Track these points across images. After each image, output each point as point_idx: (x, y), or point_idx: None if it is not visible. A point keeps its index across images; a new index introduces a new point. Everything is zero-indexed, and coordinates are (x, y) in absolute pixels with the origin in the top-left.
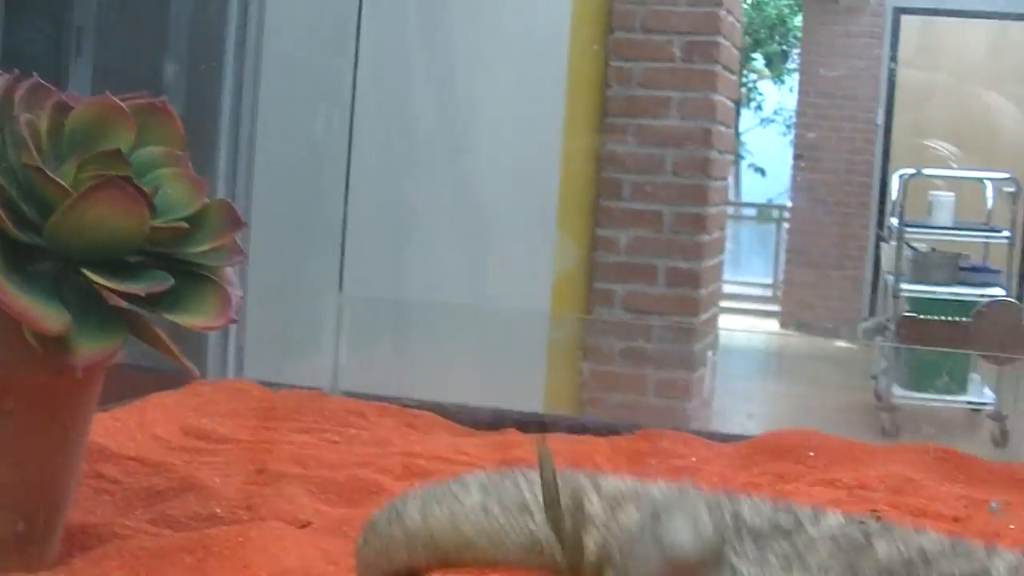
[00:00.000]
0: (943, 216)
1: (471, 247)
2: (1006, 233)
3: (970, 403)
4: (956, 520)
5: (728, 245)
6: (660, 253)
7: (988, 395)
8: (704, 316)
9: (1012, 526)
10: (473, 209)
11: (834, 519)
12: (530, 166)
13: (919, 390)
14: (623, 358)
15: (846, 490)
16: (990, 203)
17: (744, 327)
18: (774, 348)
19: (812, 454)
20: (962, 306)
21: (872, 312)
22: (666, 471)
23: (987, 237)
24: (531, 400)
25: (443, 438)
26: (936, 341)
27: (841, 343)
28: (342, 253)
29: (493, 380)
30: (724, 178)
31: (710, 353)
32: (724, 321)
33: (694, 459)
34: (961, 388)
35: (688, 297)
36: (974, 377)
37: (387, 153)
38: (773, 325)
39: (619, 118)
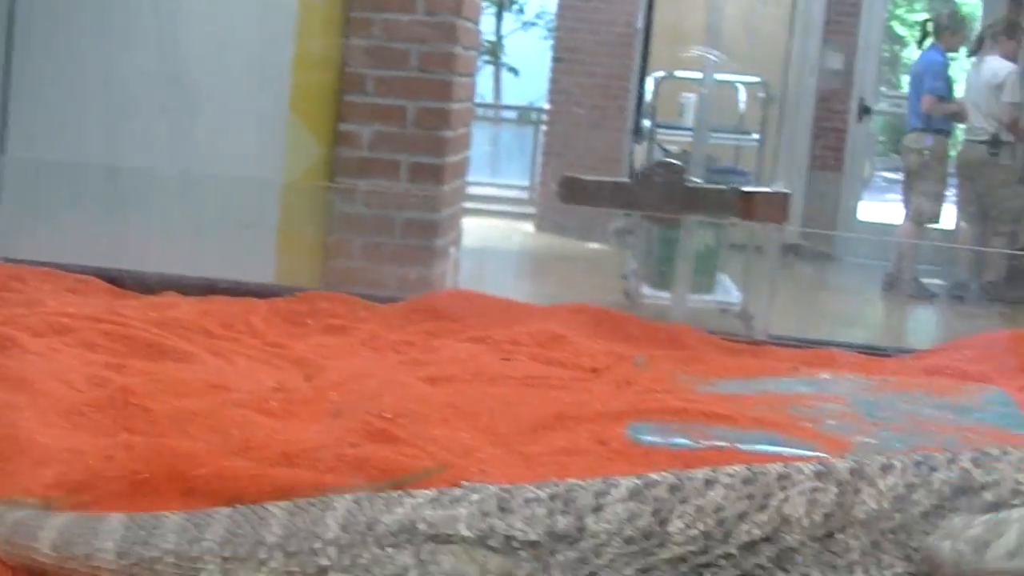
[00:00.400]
0: (692, 119)
1: (188, 132)
2: (756, 136)
3: (718, 303)
4: (594, 371)
5: (487, 148)
6: (403, 148)
7: (735, 295)
8: (447, 212)
9: (646, 375)
10: (189, 91)
11: (620, 506)
12: (256, 57)
13: (668, 290)
14: (363, 253)
15: (493, 345)
16: (742, 107)
17: (500, 228)
18: (529, 249)
19: (468, 313)
20: None
21: (626, 213)
22: (321, 330)
23: (738, 139)
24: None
25: (101, 301)
26: (597, 201)
27: (594, 244)
28: (4, 114)
29: (202, 250)
30: (470, 74)
31: (452, 249)
32: (480, 223)
33: (350, 319)
34: (709, 288)
35: (431, 193)
36: (722, 277)
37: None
38: (529, 228)
39: (363, 12)
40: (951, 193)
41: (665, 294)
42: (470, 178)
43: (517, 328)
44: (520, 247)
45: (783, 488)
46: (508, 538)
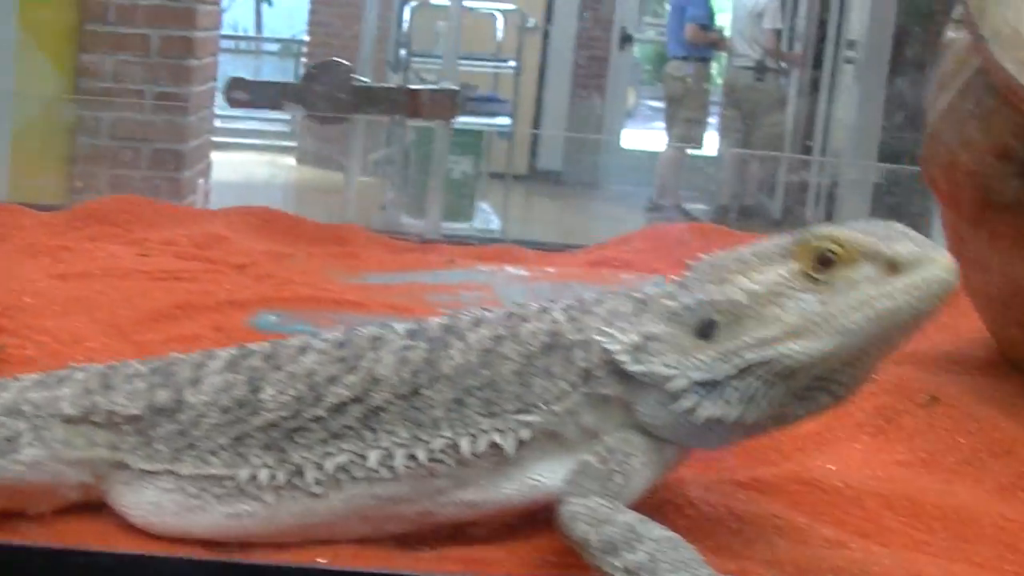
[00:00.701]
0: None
1: None
2: (512, 63)
3: (479, 231)
4: (240, 267)
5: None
6: (147, 79)
7: (495, 223)
8: (195, 143)
9: (292, 269)
10: None
11: (217, 377)
12: None
13: (425, 219)
14: (108, 185)
15: (149, 246)
16: (499, 35)
17: (260, 162)
18: (290, 182)
19: (135, 219)
20: (474, 135)
21: (386, 144)
22: None
23: (495, 67)
24: None
25: None
26: (264, 102)
27: (358, 177)
28: None
29: None
30: (215, 2)
31: (201, 180)
32: (241, 157)
33: (10, 227)
34: (468, 216)
35: (177, 123)
36: (482, 206)
37: None
38: (291, 161)
39: None
40: (714, 120)
41: (423, 223)
42: (231, 112)
43: (177, 231)
44: (281, 180)
45: (375, 349)
46: (110, 413)
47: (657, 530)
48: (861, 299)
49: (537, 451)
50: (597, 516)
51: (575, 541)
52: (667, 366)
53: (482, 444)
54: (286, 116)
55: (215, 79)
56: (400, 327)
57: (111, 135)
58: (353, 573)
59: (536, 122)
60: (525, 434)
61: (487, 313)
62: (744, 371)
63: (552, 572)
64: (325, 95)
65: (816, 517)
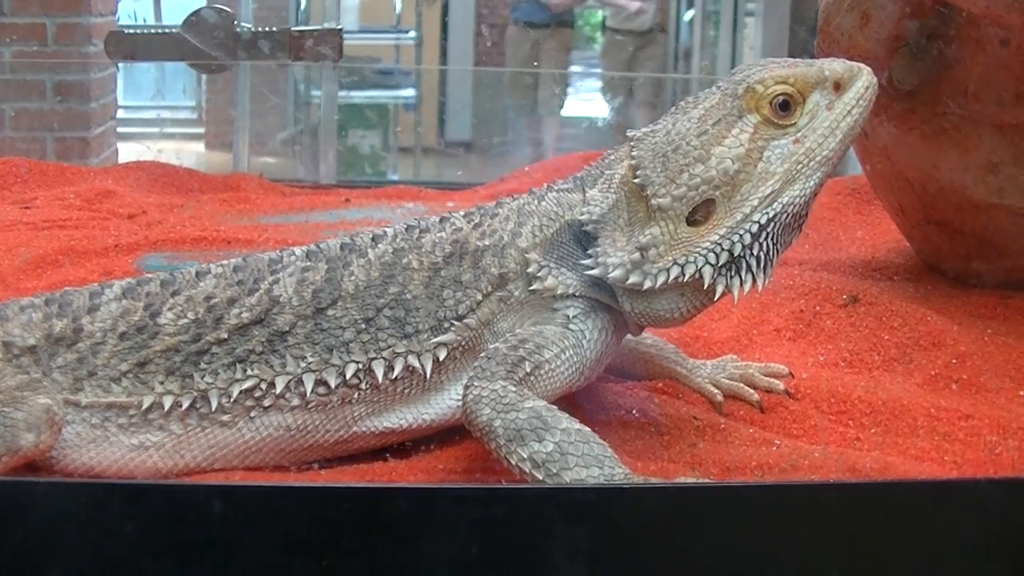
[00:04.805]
0: (348, 20)
1: None
2: (413, 33)
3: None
4: (130, 216)
5: (152, 70)
6: (46, 66)
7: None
8: (99, 130)
9: (184, 215)
10: None
11: (114, 304)
12: None
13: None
14: None
15: (39, 207)
16: (398, 7)
17: (169, 150)
18: (200, 167)
19: (22, 180)
20: (381, 109)
21: (295, 124)
22: None
23: (396, 39)
24: None
25: None
26: (147, 54)
27: (267, 158)
28: None
29: None
30: None
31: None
32: (150, 145)
33: None
34: (386, 174)
35: (78, 111)
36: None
37: None
38: (200, 147)
39: None
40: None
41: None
42: (137, 102)
43: (64, 189)
44: (191, 166)
45: (273, 272)
46: (7, 344)
47: (566, 421)
48: (829, 125)
49: (454, 371)
50: (504, 401)
51: (479, 427)
52: (682, 266)
53: (398, 367)
54: (191, 102)
55: (115, 65)
56: (298, 250)
57: (14, 126)
58: (258, 488)
59: (441, 93)
60: (441, 354)
61: (385, 229)
62: (755, 236)
63: (451, 479)
64: (208, 42)
65: (738, 419)
